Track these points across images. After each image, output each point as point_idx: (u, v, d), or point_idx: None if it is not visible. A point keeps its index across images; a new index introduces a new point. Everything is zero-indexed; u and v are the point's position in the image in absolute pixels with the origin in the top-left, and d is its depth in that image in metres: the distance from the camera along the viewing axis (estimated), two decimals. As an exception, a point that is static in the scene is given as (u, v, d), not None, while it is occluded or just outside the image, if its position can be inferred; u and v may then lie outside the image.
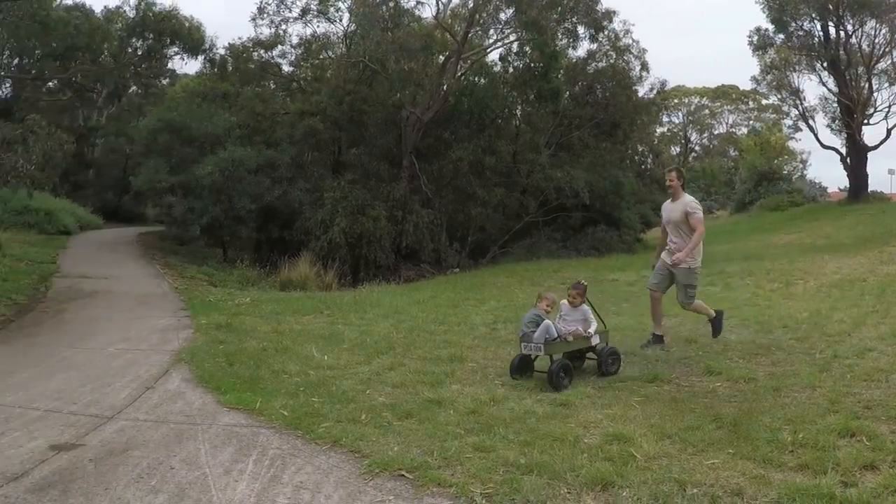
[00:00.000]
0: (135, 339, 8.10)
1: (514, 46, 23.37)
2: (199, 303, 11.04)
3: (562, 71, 23.76)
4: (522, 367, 6.17)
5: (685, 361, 6.70)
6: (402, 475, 4.03)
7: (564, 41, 23.32)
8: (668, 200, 7.44)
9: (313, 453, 4.45)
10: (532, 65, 22.89)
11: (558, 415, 5.06)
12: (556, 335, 6.04)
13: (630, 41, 25.68)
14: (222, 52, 26.57)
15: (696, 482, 3.69)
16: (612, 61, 25.55)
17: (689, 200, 7.18)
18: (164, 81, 33.33)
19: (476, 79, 23.82)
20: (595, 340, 6.33)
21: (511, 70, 24.22)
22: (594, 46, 24.85)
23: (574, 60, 25.44)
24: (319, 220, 19.05)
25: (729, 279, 12.91)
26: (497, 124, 24.01)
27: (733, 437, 4.43)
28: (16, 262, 13.57)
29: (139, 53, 29.13)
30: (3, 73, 20.31)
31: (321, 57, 25.20)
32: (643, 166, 32.20)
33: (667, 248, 7.39)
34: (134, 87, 33.77)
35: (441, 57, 23.27)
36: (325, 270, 16.37)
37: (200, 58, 28.49)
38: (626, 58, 25.76)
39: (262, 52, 24.87)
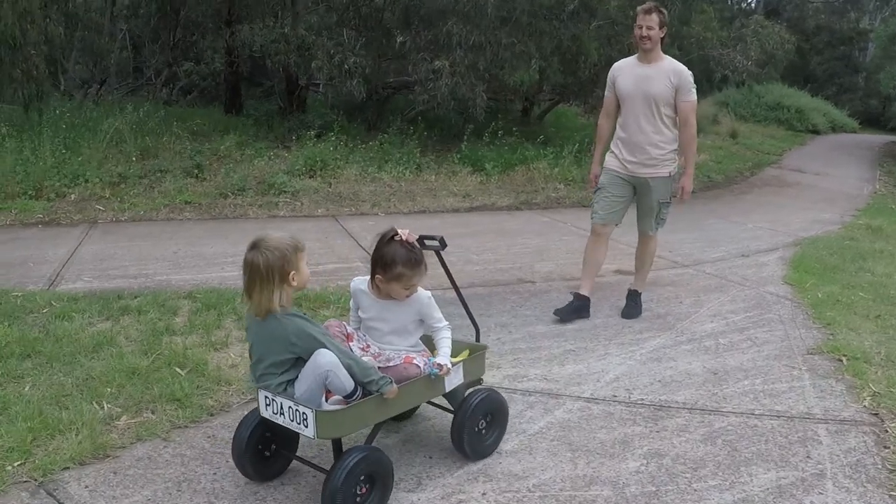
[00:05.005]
0: (778, 223, 8.45)
1: None
2: (878, 206, 10.36)
3: None
4: (264, 448, 2.59)
5: None
6: (839, 359, 3.93)
7: None
8: (633, 59, 4.54)
9: (800, 328, 4.51)
10: None
11: None
12: (351, 387, 2.38)
13: None
14: None
15: None
16: None
17: (679, 67, 4.36)
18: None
19: None
20: (456, 379, 2.71)
21: None
22: None
23: None
24: None
25: None
26: None
27: None
28: (743, 150, 15.05)
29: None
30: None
31: None
32: None
33: (616, 144, 4.57)
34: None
35: None
36: None
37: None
38: None
39: None
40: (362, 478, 2.34)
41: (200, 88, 13.48)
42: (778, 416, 3.21)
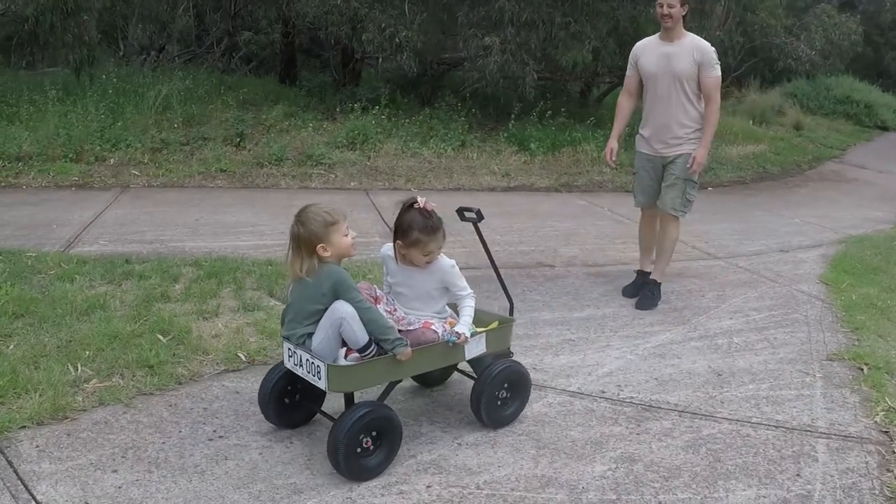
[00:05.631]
0: (827, 219, 7.95)
1: None
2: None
3: None
4: (287, 397, 2.72)
5: None
6: (860, 367, 3.62)
7: None
8: (655, 38, 4.52)
9: (825, 330, 4.20)
10: None
11: None
12: (364, 341, 2.45)
13: None
14: None
15: None
16: None
17: (702, 44, 4.30)
18: None
19: None
20: (477, 348, 2.73)
21: None
22: None
23: None
24: None
25: None
26: None
27: None
28: (805, 142, 14.26)
29: None
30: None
31: None
32: None
33: (643, 125, 4.63)
34: None
35: None
36: None
37: None
38: None
39: None
40: (369, 432, 2.40)
41: (259, 58, 13.57)
42: (776, 427, 2.96)
